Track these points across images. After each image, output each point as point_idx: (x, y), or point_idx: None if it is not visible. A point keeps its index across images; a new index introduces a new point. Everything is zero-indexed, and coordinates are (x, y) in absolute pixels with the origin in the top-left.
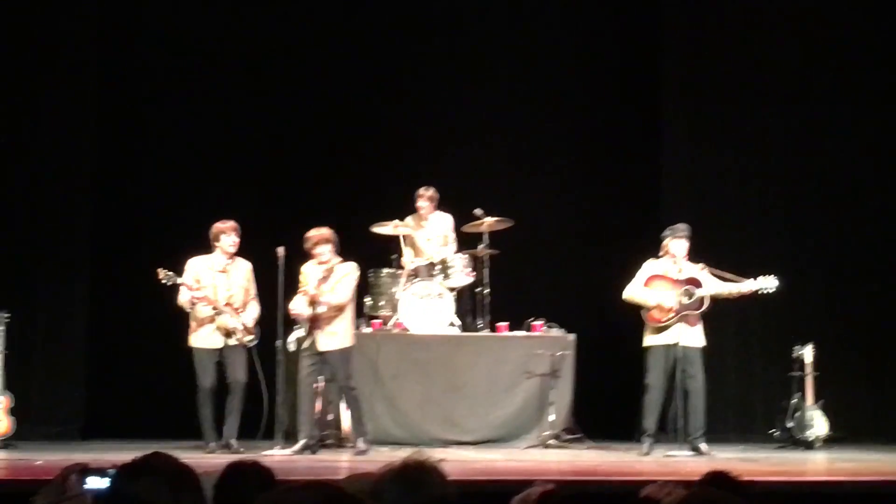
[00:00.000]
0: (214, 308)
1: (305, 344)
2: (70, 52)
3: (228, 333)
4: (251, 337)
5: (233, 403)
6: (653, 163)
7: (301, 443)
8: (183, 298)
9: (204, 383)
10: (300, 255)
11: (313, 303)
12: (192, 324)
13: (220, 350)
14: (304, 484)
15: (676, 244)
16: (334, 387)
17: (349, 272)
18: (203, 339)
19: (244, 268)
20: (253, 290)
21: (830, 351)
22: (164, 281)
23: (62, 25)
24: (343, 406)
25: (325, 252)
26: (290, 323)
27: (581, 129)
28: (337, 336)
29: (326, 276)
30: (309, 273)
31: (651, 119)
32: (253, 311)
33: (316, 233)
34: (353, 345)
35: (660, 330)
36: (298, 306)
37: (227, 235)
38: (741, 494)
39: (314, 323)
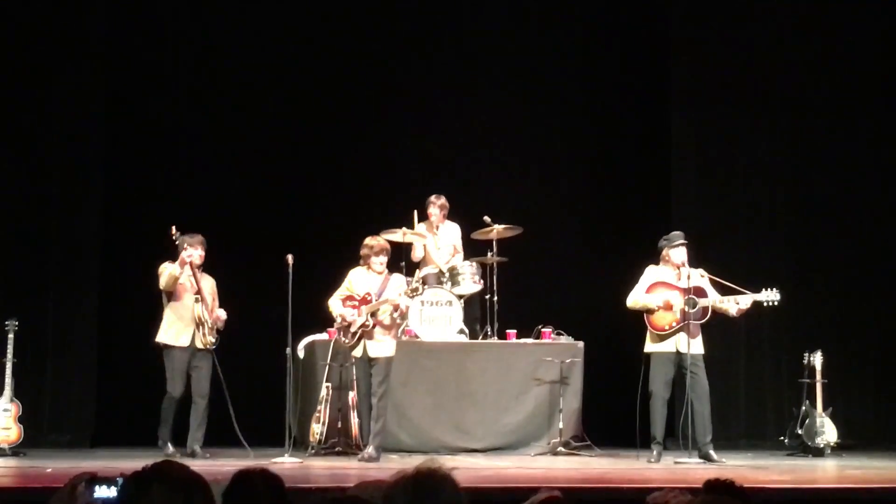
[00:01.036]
0: (198, 292)
1: (357, 353)
2: (78, 58)
3: (200, 324)
4: (214, 339)
5: (203, 414)
6: (662, 171)
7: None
8: (176, 264)
9: (175, 391)
10: (309, 262)
11: (373, 312)
12: (165, 321)
13: (190, 355)
14: (342, 496)
15: (675, 253)
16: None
17: (402, 283)
18: (174, 336)
19: (209, 281)
20: (216, 305)
21: (840, 358)
22: (174, 238)
23: (69, 32)
24: (355, 412)
25: (385, 261)
26: (299, 331)
27: (590, 136)
28: (384, 344)
29: (392, 286)
30: (357, 280)
31: (660, 127)
32: (222, 313)
33: (376, 241)
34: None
35: (662, 338)
36: (348, 311)
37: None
38: (742, 501)
39: (367, 331)
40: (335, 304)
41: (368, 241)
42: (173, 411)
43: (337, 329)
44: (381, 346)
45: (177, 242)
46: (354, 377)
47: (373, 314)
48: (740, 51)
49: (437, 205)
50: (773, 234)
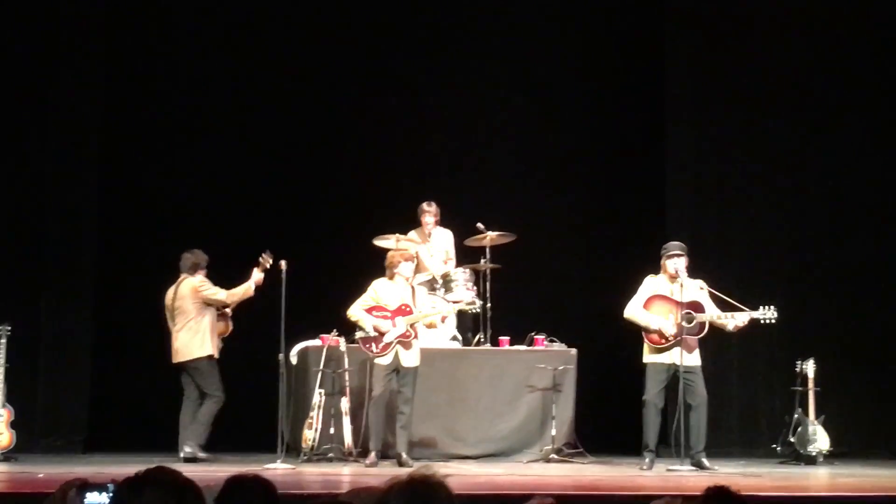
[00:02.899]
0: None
1: (384, 361)
2: (76, 61)
3: (225, 335)
4: None
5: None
6: (656, 178)
7: (373, 454)
8: (251, 284)
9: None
10: (302, 269)
11: (412, 322)
12: (208, 333)
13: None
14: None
15: (671, 263)
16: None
17: (425, 291)
18: (217, 347)
19: None
20: None
21: (832, 366)
22: (264, 260)
23: (68, 30)
24: (347, 418)
25: (413, 268)
26: (292, 337)
27: (584, 143)
28: (415, 352)
29: (420, 296)
30: (384, 290)
31: (655, 134)
32: None
33: (401, 251)
34: None
35: (659, 350)
36: (381, 322)
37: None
38: None
39: (404, 341)
40: (362, 315)
41: (399, 252)
42: None
43: (361, 339)
44: (414, 355)
45: (267, 266)
46: (370, 383)
47: (412, 325)
48: (736, 59)
49: (429, 212)
50: (767, 242)
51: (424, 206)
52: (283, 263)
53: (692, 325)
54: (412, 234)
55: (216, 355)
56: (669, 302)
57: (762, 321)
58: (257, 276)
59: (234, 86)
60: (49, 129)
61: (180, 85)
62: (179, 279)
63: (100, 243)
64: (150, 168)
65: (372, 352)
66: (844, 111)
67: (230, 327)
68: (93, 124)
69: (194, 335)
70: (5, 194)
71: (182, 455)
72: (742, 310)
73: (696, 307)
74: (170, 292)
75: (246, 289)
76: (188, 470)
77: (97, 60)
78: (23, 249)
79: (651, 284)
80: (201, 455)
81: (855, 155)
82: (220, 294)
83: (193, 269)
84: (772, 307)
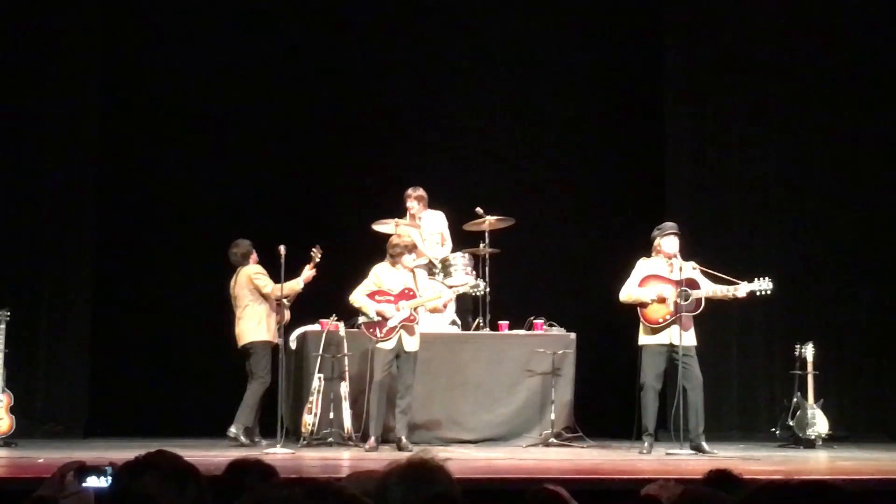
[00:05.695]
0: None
1: (387, 345)
2: (73, 51)
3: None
4: None
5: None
6: (656, 162)
7: (372, 439)
8: (301, 280)
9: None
10: (301, 253)
11: (416, 306)
12: (267, 320)
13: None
14: (292, 480)
15: (667, 242)
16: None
17: (426, 276)
18: (275, 333)
19: None
20: None
21: (831, 350)
22: (315, 258)
23: (65, 27)
24: (347, 403)
25: (416, 258)
26: (292, 322)
27: (583, 128)
28: (417, 336)
29: (422, 280)
30: (385, 275)
31: (654, 119)
32: None
33: (405, 238)
34: None
35: (655, 331)
36: (385, 307)
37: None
38: (744, 493)
39: (408, 325)
40: (364, 301)
41: (396, 239)
42: None
43: (365, 324)
44: (416, 339)
45: (316, 260)
46: (371, 368)
47: (415, 308)
48: (735, 40)
49: (413, 197)
50: (765, 226)
51: (409, 191)
52: (282, 248)
53: (689, 301)
54: (402, 221)
55: (273, 341)
56: (664, 281)
57: (758, 293)
58: (307, 273)
59: (233, 73)
60: (47, 115)
61: (179, 72)
62: (238, 270)
63: (99, 228)
64: (149, 154)
65: (376, 337)
66: (844, 91)
67: (287, 317)
68: (91, 110)
69: (249, 320)
70: (4, 180)
71: (229, 434)
72: (737, 283)
73: (692, 284)
74: (231, 282)
75: (293, 284)
76: (189, 454)
77: (94, 45)
78: (22, 234)
79: (644, 266)
80: (243, 439)
81: (854, 136)
82: (267, 287)
83: (245, 259)
84: (767, 279)
